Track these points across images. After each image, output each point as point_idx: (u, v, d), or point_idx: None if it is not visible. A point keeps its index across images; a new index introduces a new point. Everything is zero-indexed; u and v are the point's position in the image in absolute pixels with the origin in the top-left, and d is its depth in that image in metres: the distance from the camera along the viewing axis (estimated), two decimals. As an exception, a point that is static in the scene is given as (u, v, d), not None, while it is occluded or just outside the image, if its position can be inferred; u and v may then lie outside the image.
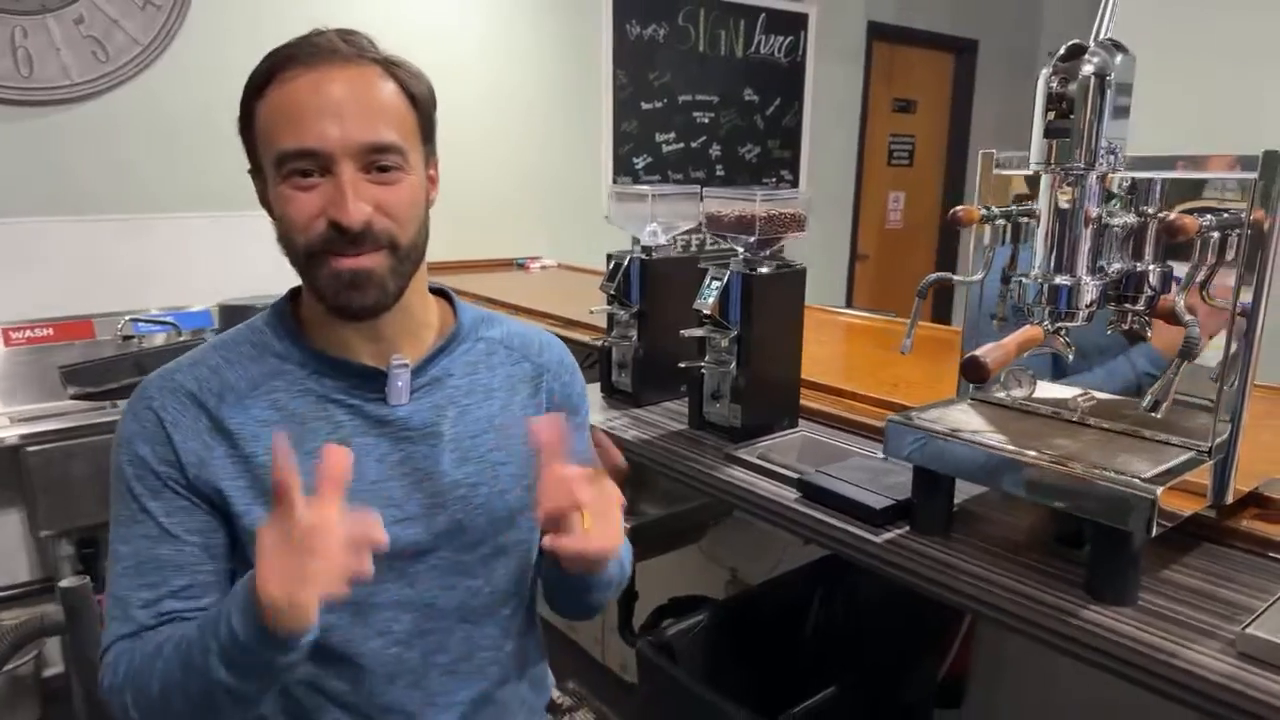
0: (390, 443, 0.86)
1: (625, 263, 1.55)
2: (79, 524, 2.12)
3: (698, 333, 1.38)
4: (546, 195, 3.52)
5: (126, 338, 2.43)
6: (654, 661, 1.38)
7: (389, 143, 0.79)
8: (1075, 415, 1.07)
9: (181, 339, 2.46)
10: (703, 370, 1.41)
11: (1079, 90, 0.86)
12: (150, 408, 0.83)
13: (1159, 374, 0.90)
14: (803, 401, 1.48)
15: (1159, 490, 0.85)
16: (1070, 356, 0.99)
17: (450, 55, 3.05)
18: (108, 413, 2.20)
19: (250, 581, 0.69)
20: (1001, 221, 1.03)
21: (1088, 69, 0.86)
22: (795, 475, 1.21)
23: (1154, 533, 0.85)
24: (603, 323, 1.68)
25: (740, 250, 1.36)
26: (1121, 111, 0.88)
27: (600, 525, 0.78)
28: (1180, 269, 0.93)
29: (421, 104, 0.84)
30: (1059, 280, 0.92)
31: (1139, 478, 0.88)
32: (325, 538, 0.67)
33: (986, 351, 0.88)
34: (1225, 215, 0.89)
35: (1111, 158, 0.89)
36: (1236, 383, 0.93)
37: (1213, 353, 0.93)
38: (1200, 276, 0.92)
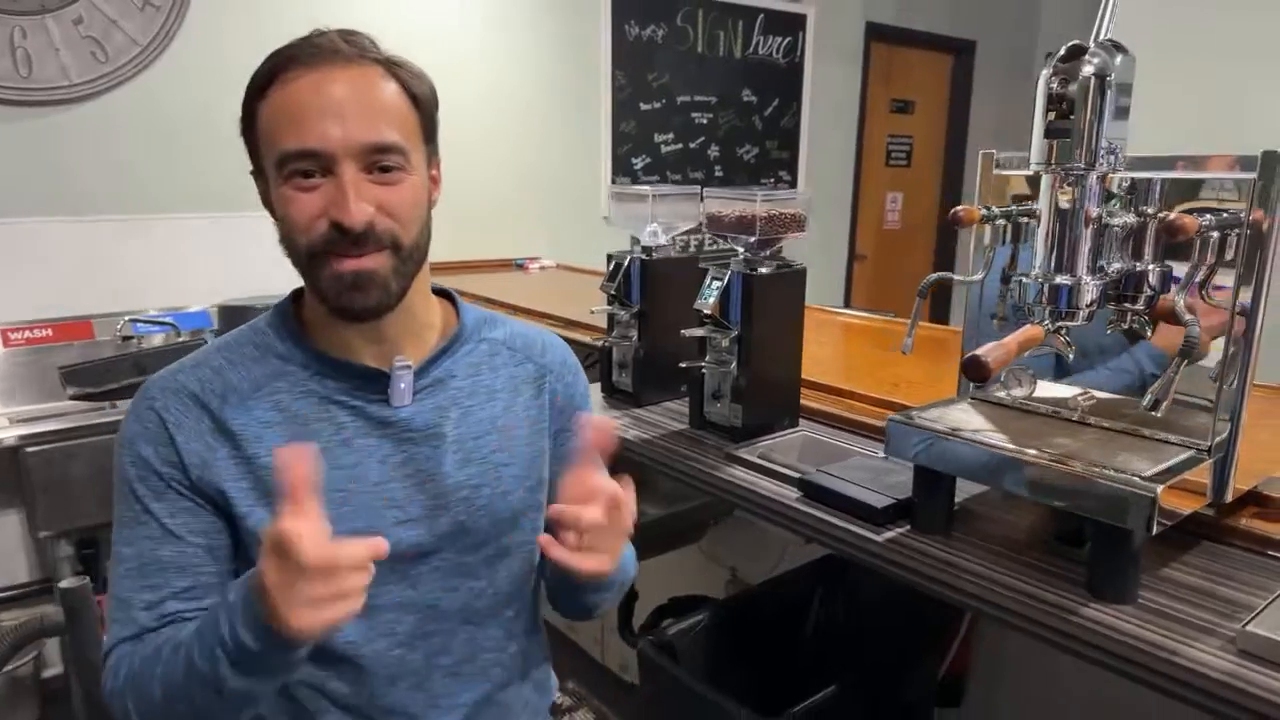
0: (393, 444, 0.86)
1: (626, 263, 1.55)
2: (78, 525, 2.12)
3: (698, 332, 1.39)
4: (545, 196, 3.52)
5: (125, 338, 2.43)
6: (656, 661, 1.38)
7: (391, 143, 0.79)
8: (1075, 414, 1.07)
9: (180, 339, 2.46)
10: (703, 370, 1.41)
11: (1079, 91, 0.87)
12: (153, 408, 0.83)
13: (1163, 373, 0.90)
14: (803, 401, 1.48)
15: (1159, 489, 0.85)
16: (1070, 356, 0.99)
17: (449, 55, 3.04)
18: (107, 413, 2.20)
19: (253, 583, 0.68)
20: (1002, 221, 1.04)
21: (1088, 69, 0.87)
22: (796, 475, 1.22)
23: (1154, 531, 0.85)
24: (603, 323, 1.69)
25: (741, 250, 1.36)
26: (1121, 112, 0.89)
27: (597, 549, 0.78)
28: (1179, 269, 0.94)
29: (423, 104, 0.84)
30: (1059, 280, 0.93)
31: (1139, 476, 0.88)
32: (334, 570, 0.66)
33: (988, 351, 0.88)
34: (1224, 215, 0.90)
35: (1111, 158, 0.89)
36: (1236, 382, 0.93)
37: (1212, 353, 0.94)
38: (1199, 276, 0.92)
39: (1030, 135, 0.92)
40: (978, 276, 1.10)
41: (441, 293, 0.96)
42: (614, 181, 3.67)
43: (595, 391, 1.62)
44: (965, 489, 1.12)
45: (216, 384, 0.84)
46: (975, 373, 0.88)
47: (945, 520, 1.07)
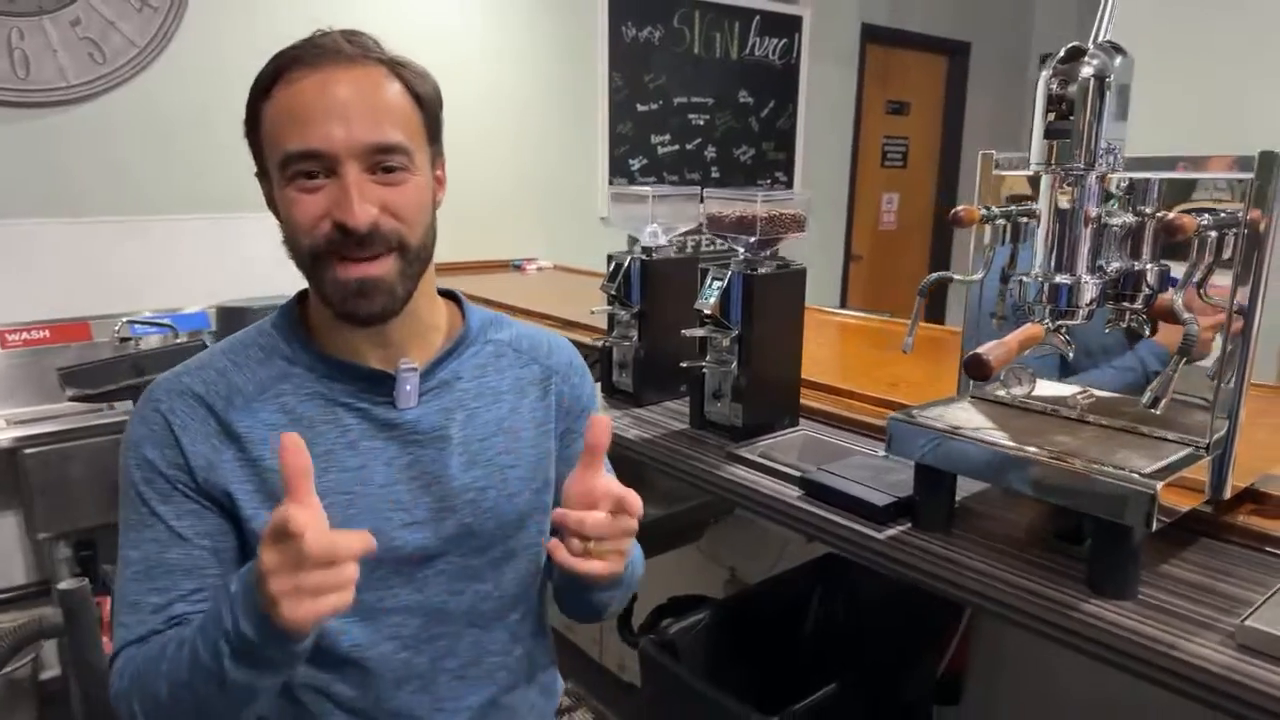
0: (398, 446, 0.86)
1: (626, 263, 1.56)
2: (76, 526, 2.12)
3: (699, 332, 1.39)
4: (542, 197, 3.52)
5: (123, 339, 2.42)
6: (657, 660, 1.39)
7: (394, 143, 0.78)
8: (1075, 412, 1.08)
9: (178, 341, 2.45)
10: (704, 370, 1.42)
11: (1079, 92, 0.88)
12: (158, 411, 0.83)
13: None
14: (803, 401, 1.49)
15: (1158, 486, 0.86)
16: (1070, 354, 1.00)
17: (446, 56, 3.05)
18: (105, 415, 2.20)
19: (251, 578, 0.68)
20: (1001, 221, 1.05)
21: (1087, 71, 0.87)
22: (797, 473, 1.22)
23: (1154, 527, 0.86)
24: (602, 323, 1.69)
25: (741, 250, 1.37)
26: (1120, 112, 0.89)
27: (603, 552, 0.77)
28: (1177, 269, 0.95)
29: (427, 104, 0.83)
30: (1059, 279, 0.94)
31: (1139, 474, 0.89)
32: (332, 561, 0.66)
33: (989, 349, 0.89)
34: (1222, 215, 0.90)
35: (1110, 158, 0.90)
36: (1233, 380, 0.94)
37: (1210, 351, 0.95)
38: (1197, 276, 0.93)
39: (1027, 135, 0.93)
40: (978, 276, 1.11)
41: (447, 294, 0.96)
42: (611, 183, 3.67)
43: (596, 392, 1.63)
44: (965, 487, 1.13)
45: (221, 386, 0.84)
46: (977, 371, 0.89)
47: (946, 518, 1.08)
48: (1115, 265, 0.95)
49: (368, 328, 0.83)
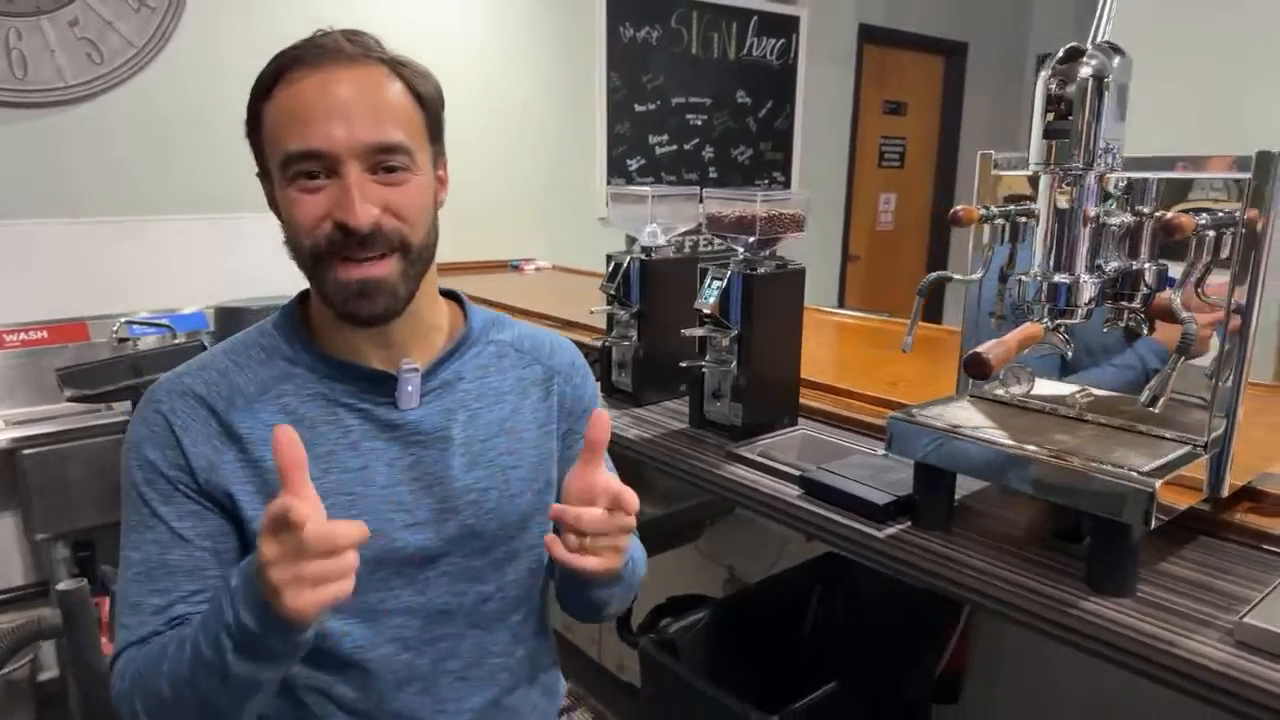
0: (400, 447, 0.86)
1: (625, 263, 1.56)
2: (74, 527, 2.12)
3: (698, 332, 1.40)
4: (541, 197, 3.52)
5: (121, 340, 2.42)
6: (657, 659, 1.39)
7: (395, 143, 0.78)
8: (1073, 411, 1.08)
9: (176, 341, 2.45)
10: (704, 369, 1.42)
11: (1078, 92, 0.88)
12: (159, 412, 0.83)
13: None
14: (802, 400, 1.49)
15: (1157, 484, 0.87)
16: (1069, 353, 1.01)
17: (444, 56, 3.05)
18: (103, 415, 2.20)
19: (251, 570, 0.68)
20: (1000, 221, 1.05)
21: (1086, 71, 0.88)
22: (797, 472, 1.23)
23: (1152, 525, 0.87)
24: (601, 323, 1.69)
25: (740, 250, 1.37)
26: (1119, 113, 0.90)
27: (600, 548, 0.78)
28: (1175, 268, 0.95)
29: (429, 103, 0.83)
30: (1058, 278, 0.94)
31: (1138, 472, 0.89)
32: (333, 550, 0.66)
33: (989, 348, 0.89)
34: (1220, 214, 0.91)
35: (1109, 158, 0.91)
36: (1231, 379, 0.95)
37: (1208, 351, 0.95)
38: (1195, 275, 0.93)
39: (1025, 135, 0.94)
40: (977, 275, 1.11)
41: (449, 294, 0.95)
42: (610, 183, 3.68)
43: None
44: (964, 486, 1.13)
45: (223, 387, 0.84)
46: (977, 370, 0.89)
47: (945, 516, 1.08)
48: (1113, 265, 0.96)
49: (369, 328, 0.83)
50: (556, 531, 0.80)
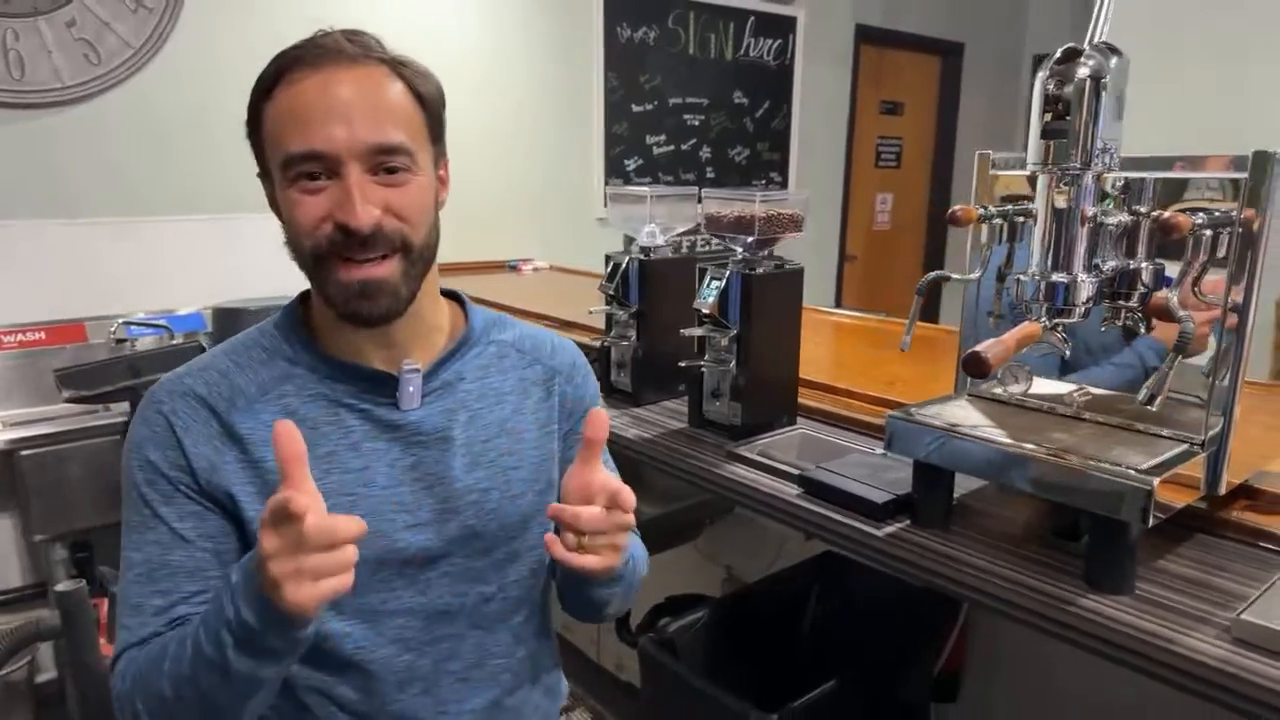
0: (401, 448, 0.86)
1: (624, 264, 1.57)
2: (73, 527, 2.12)
3: (697, 332, 1.40)
4: (538, 197, 3.53)
5: (119, 341, 2.42)
6: (657, 658, 1.39)
7: (396, 143, 0.78)
8: (1071, 410, 1.09)
9: (174, 342, 2.45)
10: (703, 369, 1.42)
11: (1075, 93, 0.88)
12: (160, 412, 0.82)
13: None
14: (800, 400, 1.49)
15: (1155, 481, 0.87)
16: (1067, 352, 1.01)
17: (439, 56, 3.02)
18: (100, 416, 2.20)
19: (252, 565, 0.68)
20: (998, 221, 1.05)
21: (1083, 72, 0.88)
22: (796, 472, 1.23)
23: (1150, 523, 0.87)
24: (599, 324, 1.70)
25: (739, 250, 1.38)
26: (1116, 113, 0.90)
27: (598, 547, 0.78)
28: (1171, 268, 0.96)
29: (430, 103, 0.82)
30: (1056, 278, 0.94)
31: (1136, 470, 0.90)
32: (333, 544, 0.67)
33: (987, 347, 0.90)
34: (1216, 214, 0.92)
35: (1106, 158, 0.91)
36: (1228, 378, 0.95)
37: (1207, 350, 0.96)
38: (1192, 274, 0.94)
39: (1021, 135, 0.94)
40: (975, 275, 1.12)
41: (450, 295, 0.95)
42: (607, 183, 3.68)
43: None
44: (962, 484, 1.13)
45: (224, 387, 0.83)
46: (975, 369, 0.90)
47: (944, 515, 1.09)
48: (1111, 264, 0.96)
49: (371, 328, 0.83)
50: (556, 531, 0.80)
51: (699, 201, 1.47)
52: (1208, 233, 0.92)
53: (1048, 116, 0.91)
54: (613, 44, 3.61)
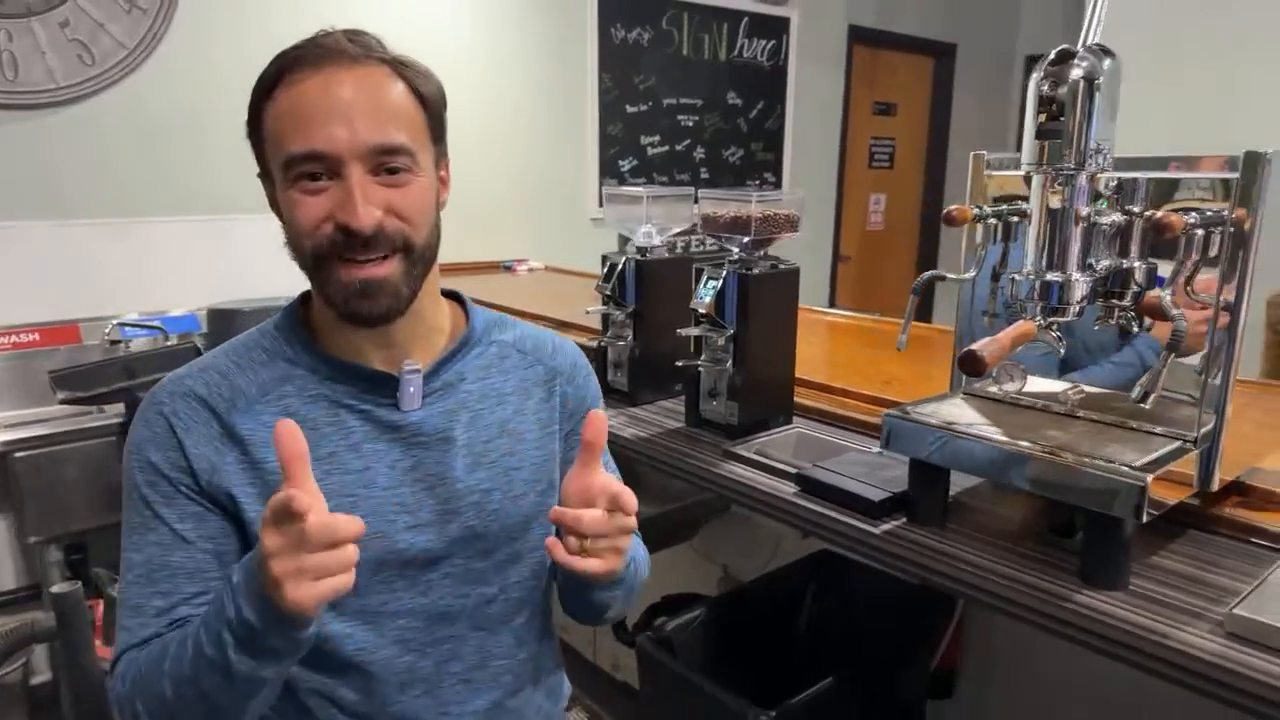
0: (402, 449, 0.85)
1: (621, 264, 1.57)
2: (67, 529, 2.11)
3: (694, 331, 1.40)
4: (533, 198, 3.53)
5: (113, 342, 2.42)
6: (654, 657, 1.40)
7: (398, 144, 0.78)
8: (1065, 408, 1.10)
9: (169, 343, 2.45)
10: (700, 368, 1.43)
11: (1069, 94, 0.89)
12: (161, 413, 0.82)
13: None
14: (797, 399, 1.50)
15: (1149, 478, 0.88)
16: (1062, 351, 1.02)
17: (433, 56, 3.02)
18: (95, 418, 2.19)
19: (253, 564, 0.68)
20: (993, 221, 1.06)
21: (1077, 73, 0.89)
22: (793, 470, 1.24)
23: (1144, 519, 0.88)
24: (595, 324, 1.70)
25: (735, 250, 1.38)
26: (1109, 114, 0.91)
27: (600, 550, 0.78)
28: (1164, 266, 0.97)
29: (431, 104, 0.82)
30: (1050, 277, 0.95)
31: (1130, 467, 0.91)
32: (334, 543, 0.67)
33: (983, 346, 0.91)
34: (1208, 214, 0.93)
35: (1100, 158, 0.92)
36: (1220, 375, 0.96)
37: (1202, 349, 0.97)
38: (1185, 273, 0.95)
39: (1014, 135, 0.95)
40: (970, 275, 1.13)
41: (451, 295, 0.95)
42: (602, 184, 3.68)
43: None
44: (958, 482, 1.14)
45: (224, 388, 0.83)
46: (971, 367, 0.91)
47: (941, 512, 1.10)
48: (1104, 263, 0.97)
49: (372, 328, 0.83)
50: (557, 534, 0.80)
51: (695, 202, 1.48)
52: (1200, 232, 0.93)
53: (1042, 117, 0.91)
54: (607, 44, 3.61)
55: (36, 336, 2.38)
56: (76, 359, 2.33)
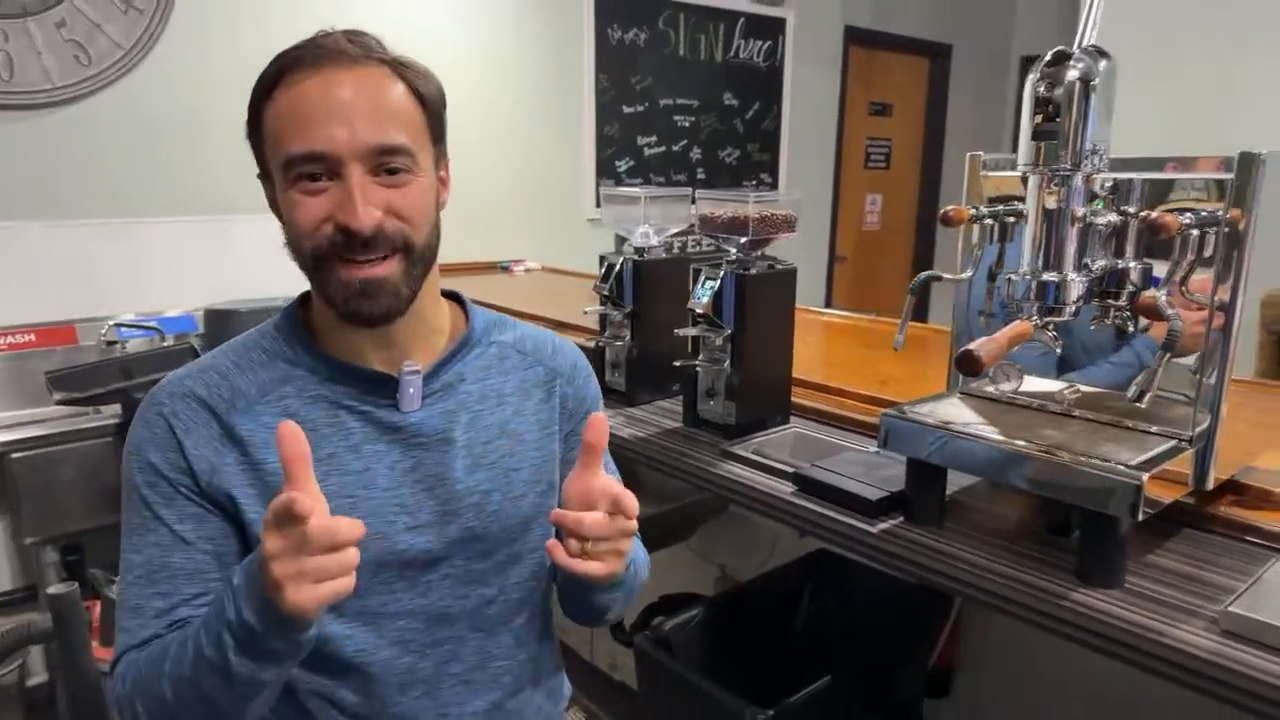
0: (402, 449, 0.85)
1: (619, 264, 1.57)
2: (64, 530, 2.11)
3: (692, 331, 1.41)
4: (530, 198, 3.53)
5: (110, 343, 2.41)
6: (652, 656, 1.40)
7: (397, 144, 0.77)
8: (1061, 407, 1.10)
9: (165, 344, 2.44)
10: (697, 368, 1.43)
11: (1065, 95, 0.90)
12: (160, 414, 0.82)
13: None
14: (794, 399, 1.50)
15: (1144, 477, 0.89)
16: (1058, 350, 1.02)
17: (431, 57, 3.02)
18: (91, 418, 2.19)
19: (254, 568, 0.68)
20: (989, 221, 1.07)
21: (1072, 74, 0.90)
22: (791, 470, 1.24)
23: (1140, 518, 0.89)
24: (593, 324, 1.70)
25: (732, 251, 1.39)
26: (1105, 115, 0.92)
27: (601, 552, 0.78)
28: (1159, 267, 0.97)
29: (430, 104, 0.82)
30: (1047, 277, 0.96)
31: (1126, 465, 0.91)
32: (335, 546, 0.67)
33: (980, 345, 0.91)
34: (1203, 214, 0.93)
35: (1095, 159, 0.93)
36: (1215, 375, 0.97)
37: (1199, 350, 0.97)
38: (1180, 273, 0.96)
39: (1009, 136, 0.96)
40: (967, 275, 1.13)
41: (451, 295, 0.95)
42: (599, 184, 3.69)
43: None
44: (955, 481, 1.15)
45: (224, 389, 0.83)
46: (968, 367, 0.91)
47: (938, 512, 1.10)
48: (1100, 263, 0.98)
49: (372, 329, 0.82)
50: (558, 536, 0.80)
51: (692, 202, 1.48)
52: (1195, 232, 0.93)
53: (1038, 118, 0.92)
54: (603, 45, 3.61)
55: (33, 337, 2.38)
56: (73, 360, 2.32)
